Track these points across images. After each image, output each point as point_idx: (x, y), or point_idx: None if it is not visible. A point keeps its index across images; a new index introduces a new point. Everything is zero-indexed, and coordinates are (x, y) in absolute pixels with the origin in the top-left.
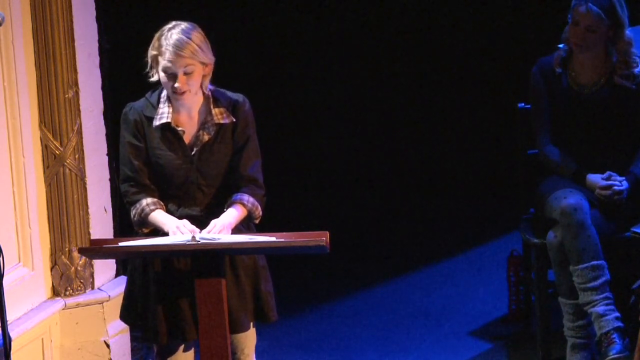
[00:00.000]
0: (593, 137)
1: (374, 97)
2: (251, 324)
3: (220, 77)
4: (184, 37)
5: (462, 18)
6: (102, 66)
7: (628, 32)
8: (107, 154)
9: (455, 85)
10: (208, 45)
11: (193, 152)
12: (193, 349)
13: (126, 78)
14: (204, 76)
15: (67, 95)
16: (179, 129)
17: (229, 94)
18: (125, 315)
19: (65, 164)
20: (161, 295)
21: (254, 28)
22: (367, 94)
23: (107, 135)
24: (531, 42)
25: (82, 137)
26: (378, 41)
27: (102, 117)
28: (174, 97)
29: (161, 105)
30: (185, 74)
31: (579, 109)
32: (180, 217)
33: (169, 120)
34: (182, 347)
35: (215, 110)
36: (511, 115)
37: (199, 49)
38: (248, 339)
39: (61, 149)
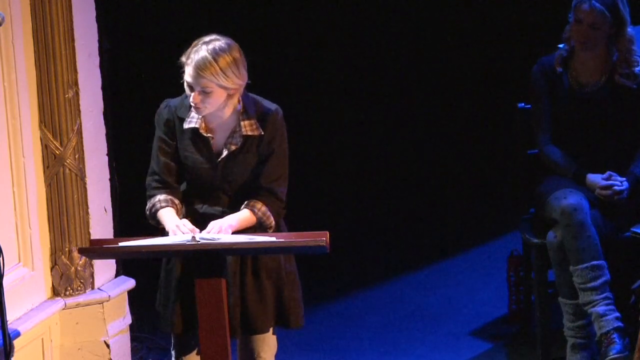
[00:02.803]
0: (593, 137)
1: (374, 97)
2: (271, 329)
3: None
4: (209, 57)
5: (462, 18)
6: (102, 66)
7: (630, 29)
8: (107, 154)
9: (455, 85)
10: (239, 69)
11: (219, 159)
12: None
13: (126, 78)
14: (229, 96)
15: (67, 95)
16: (208, 135)
17: (264, 103)
18: (159, 301)
19: (65, 164)
20: (181, 287)
21: (254, 28)
22: (367, 93)
23: (107, 135)
24: (531, 41)
25: (82, 137)
26: (378, 41)
27: (102, 117)
28: (194, 108)
29: (193, 109)
30: (202, 92)
31: (580, 108)
32: (203, 215)
33: (198, 125)
34: (197, 348)
35: (244, 123)
36: (511, 115)
37: (222, 72)
38: (265, 343)
39: (61, 149)
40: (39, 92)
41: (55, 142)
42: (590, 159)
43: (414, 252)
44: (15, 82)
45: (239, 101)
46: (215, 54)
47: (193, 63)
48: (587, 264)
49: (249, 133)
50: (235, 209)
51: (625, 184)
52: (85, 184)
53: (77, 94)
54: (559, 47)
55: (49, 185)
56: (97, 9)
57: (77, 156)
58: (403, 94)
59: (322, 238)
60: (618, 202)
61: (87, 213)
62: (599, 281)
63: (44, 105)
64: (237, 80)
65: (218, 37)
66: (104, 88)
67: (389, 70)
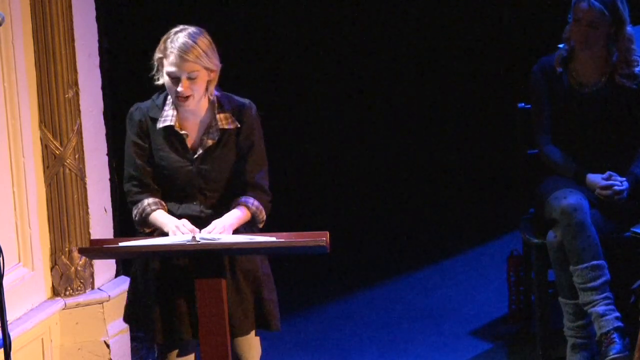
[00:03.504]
0: (593, 137)
1: (374, 97)
2: (253, 332)
3: (222, 77)
4: (190, 41)
5: (462, 18)
6: (102, 66)
7: (629, 29)
8: (107, 154)
9: (455, 85)
10: (215, 52)
11: (195, 156)
12: (194, 354)
13: (126, 78)
14: (208, 82)
15: (67, 95)
16: (183, 132)
17: (236, 98)
18: (127, 316)
19: (65, 164)
20: (160, 294)
21: (254, 28)
22: (367, 94)
23: (107, 135)
24: (531, 41)
25: (82, 137)
26: (378, 41)
27: (102, 117)
28: (178, 103)
29: (166, 108)
30: (189, 78)
31: (580, 108)
32: (180, 217)
33: (172, 123)
34: (183, 349)
35: (219, 116)
36: (511, 115)
37: (204, 54)
38: (252, 347)
39: (61, 149)
40: (39, 92)
41: (55, 142)
42: (590, 159)
43: (414, 252)
44: (15, 82)
45: (214, 98)
46: (194, 37)
47: (175, 50)
48: (587, 264)
49: (225, 126)
50: (213, 208)
51: (625, 184)
52: (85, 184)
53: (77, 94)
54: (559, 47)
55: (49, 185)
56: (97, 9)
57: (77, 156)
58: (403, 94)
59: (322, 238)
60: (618, 202)
61: (87, 213)
62: (599, 281)
63: (44, 105)
64: (217, 62)
65: (185, 26)
66: (104, 88)
67: (389, 70)
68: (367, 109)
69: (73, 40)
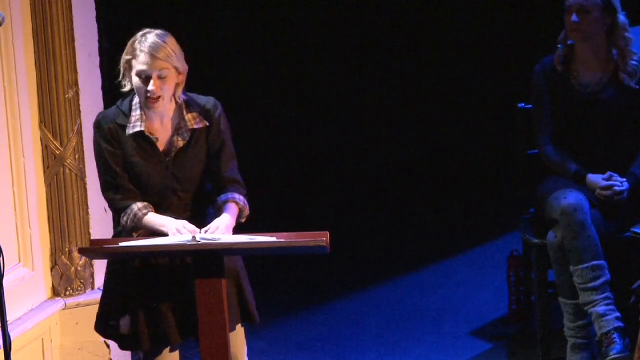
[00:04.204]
0: (594, 137)
1: (374, 97)
2: (240, 327)
3: (222, 78)
4: (159, 40)
5: (462, 18)
6: (102, 66)
7: (622, 17)
8: None
9: (455, 85)
10: (182, 54)
11: (167, 158)
12: (178, 350)
13: None
14: (177, 85)
15: (67, 95)
16: (152, 136)
17: (201, 98)
18: (100, 326)
19: (65, 164)
20: (141, 301)
21: (254, 28)
22: (367, 94)
23: None
24: (532, 41)
25: (82, 137)
26: (378, 41)
27: None
28: (147, 105)
29: (133, 113)
30: (160, 77)
31: (581, 108)
32: None
33: (142, 128)
34: (167, 349)
35: (188, 116)
36: (511, 115)
37: (174, 53)
38: (239, 343)
39: (61, 149)
40: (39, 92)
41: (55, 142)
42: (590, 159)
43: (413, 252)
44: (15, 82)
45: (179, 99)
46: (162, 37)
47: (146, 49)
48: (587, 264)
49: (195, 126)
50: (188, 212)
51: (626, 185)
52: (85, 184)
53: (77, 94)
54: (559, 47)
55: (49, 185)
56: (97, 9)
57: (77, 156)
58: (403, 94)
59: (322, 238)
60: (618, 203)
61: (87, 213)
62: (599, 281)
63: (44, 105)
64: (184, 64)
65: (149, 29)
66: (104, 88)
67: (389, 70)
68: (368, 108)
69: (73, 40)
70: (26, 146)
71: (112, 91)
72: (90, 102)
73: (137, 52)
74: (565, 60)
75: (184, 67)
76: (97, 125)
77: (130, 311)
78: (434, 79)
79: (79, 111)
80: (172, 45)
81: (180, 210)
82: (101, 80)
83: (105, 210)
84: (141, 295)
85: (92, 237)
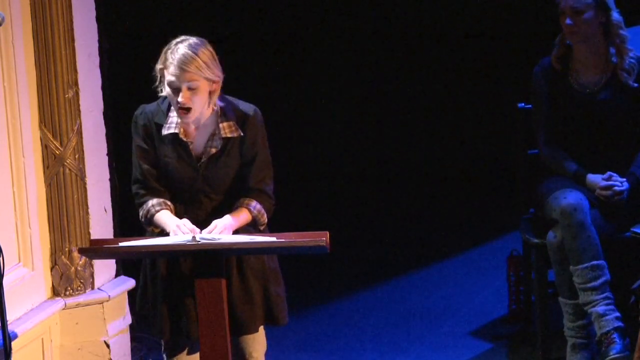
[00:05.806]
0: (594, 137)
1: (374, 97)
2: (261, 327)
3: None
4: (190, 52)
5: (463, 18)
6: (102, 66)
7: (616, 14)
8: (107, 154)
9: (455, 85)
10: (216, 62)
11: (199, 163)
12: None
13: (126, 78)
14: (211, 92)
15: (67, 95)
16: (187, 140)
17: (241, 105)
18: (140, 305)
19: (65, 164)
20: (167, 292)
21: (254, 28)
22: (367, 93)
23: (107, 135)
24: (531, 41)
25: (82, 137)
26: (378, 41)
27: (102, 117)
28: (179, 115)
29: (171, 114)
30: (190, 89)
31: (580, 108)
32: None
33: (177, 131)
34: (188, 348)
35: (223, 125)
36: (511, 115)
37: (205, 65)
38: (256, 342)
39: (61, 149)
40: (39, 92)
41: (55, 142)
42: (590, 159)
43: (413, 252)
44: (15, 82)
45: (215, 104)
46: (194, 48)
47: (175, 62)
48: (587, 264)
49: (229, 135)
50: (218, 212)
51: (626, 185)
52: (85, 184)
53: (77, 94)
54: (555, 47)
55: (49, 185)
56: (97, 9)
57: (77, 156)
58: (403, 94)
59: (322, 238)
60: (618, 203)
61: (87, 213)
62: (599, 281)
63: (44, 105)
64: (218, 72)
65: (187, 36)
66: (104, 88)
67: (389, 70)
68: (368, 109)
69: (73, 40)
70: (26, 146)
71: (112, 91)
72: (90, 102)
73: (168, 62)
74: (564, 60)
75: (218, 76)
76: (135, 120)
77: (158, 301)
78: (434, 79)
79: (79, 111)
80: (204, 57)
81: (212, 210)
82: (101, 80)
83: (105, 210)
84: (168, 288)
85: (92, 237)
